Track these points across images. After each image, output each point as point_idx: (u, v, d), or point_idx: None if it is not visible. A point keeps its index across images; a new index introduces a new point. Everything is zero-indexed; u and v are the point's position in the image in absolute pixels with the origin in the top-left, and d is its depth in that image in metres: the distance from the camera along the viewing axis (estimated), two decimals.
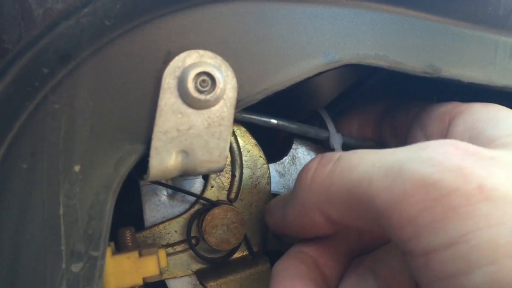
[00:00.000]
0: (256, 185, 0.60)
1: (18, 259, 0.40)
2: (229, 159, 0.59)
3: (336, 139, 0.61)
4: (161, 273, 0.53)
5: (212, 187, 0.59)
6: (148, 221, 0.58)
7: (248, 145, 0.60)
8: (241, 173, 0.60)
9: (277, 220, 0.53)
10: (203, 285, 0.57)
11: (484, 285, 0.33)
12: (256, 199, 0.60)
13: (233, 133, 0.59)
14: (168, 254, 0.56)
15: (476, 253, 0.34)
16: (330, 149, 0.64)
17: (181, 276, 0.59)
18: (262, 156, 0.61)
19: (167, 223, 0.58)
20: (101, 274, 0.42)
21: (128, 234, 0.53)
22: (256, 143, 0.60)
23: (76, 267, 0.41)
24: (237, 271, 0.58)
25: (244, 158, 0.60)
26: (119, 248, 0.53)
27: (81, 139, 0.41)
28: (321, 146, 0.66)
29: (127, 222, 0.55)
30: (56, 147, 0.41)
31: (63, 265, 0.41)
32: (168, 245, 0.57)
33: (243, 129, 0.60)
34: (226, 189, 0.59)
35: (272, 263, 0.60)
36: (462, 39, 0.51)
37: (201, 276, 0.58)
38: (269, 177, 0.61)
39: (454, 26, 0.51)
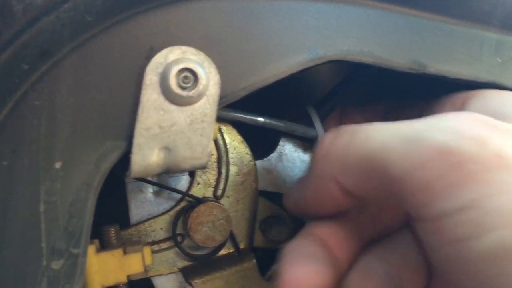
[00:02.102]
0: (242, 182, 0.60)
1: None
2: (215, 156, 0.59)
3: None
4: (146, 270, 0.53)
5: (198, 184, 0.59)
6: (133, 219, 0.58)
7: (234, 142, 0.60)
8: (228, 170, 0.59)
9: (295, 200, 0.52)
10: (188, 282, 0.57)
11: (495, 249, 0.34)
12: (243, 196, 0.60)
13: (220, 130, 0.59)
14: (154, 252, 0.56)
15: (488, 218, 0.34)
16: None
17: (167, 274, 0.58)
18: (249, 153, 0.61)
19: (152, 220, 0.57)
20: (82, 272, 0.42)
21: (112, 231, 0.53)
22: (242, 140, 0.60)
23: (56, 264, 0.41)
24: (222, 268, 0.58)
25: (230, 155, 0.59)
26: (104, 246, 0.53)
27: (62, 136, 0.41)
28: (309, 143, 0.65)
29: (113, 219, 0.55)
30: (36, 144, 0.40)
31: (44, 262, 0.41)
32: (154, 243, 0.57)
33: (229, 126, 0.59)
34: (213, 186, 0.59)
35: (258, 260, 0.60)
36: (447, 35, 0.51)
37: (186, 273, 0.57)
38: (256, 174, 0.61)
39: (439, 22, 0.50)
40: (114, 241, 0.52)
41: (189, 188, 0.59)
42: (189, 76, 0.42)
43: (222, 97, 0.45)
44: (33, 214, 0.40)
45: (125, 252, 0.51)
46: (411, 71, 0.50)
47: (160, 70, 0.42)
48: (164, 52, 0.42)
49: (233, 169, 0.60)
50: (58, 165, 0.41)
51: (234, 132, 0.60)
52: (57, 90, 0.41)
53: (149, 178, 0.57)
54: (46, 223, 0.41)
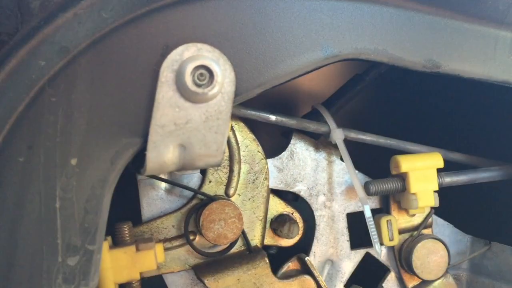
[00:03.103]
0: (254, 180, 0.60)
1: (14, 253, 0.40)
2: (227, 154, 0.59)
3: (337, 134, 0.61)
4: (158, 267, 0.53)
5: (210, 182, 0.59)
6: (145, 216, 0.58)
7: (246, 140, 0.60)
8: (239, 168, 0.59)
9: None
10: (200, 280, 0.57)
11: None
12: (254, 194, 0.60)
13: (231, 128, 0.59)
14: (166, 249, 0.56)
15: None
16: (330, 143, 0.64)
17: (178, 271, 0.58)
18: (261, 151, 0.61)
19: (164, 217, 0.58)
20: (97, 268, 0.42)
21: (125, 228, 0.53)
22: (254, 138, 0.60)
23: (72, 261, 0.41)
24: (234, 266, 0.58)
25: (242, 153, 0.60)
26: (117, 243, 0.53)
27: (78, 133, 0.41)
28: (320, 141, 0.65)
29: (125, 217, 0.55)
30: (53, 140, 0.40)
31: (59, 259, 0.41)
32: (166, 240, 0.57)
33: (241, 124, 0.59)
34: (224, 184, 0.59)
35: (269, 258, 0.60)
36: (461, 33, 0.51)
37: (198, 271, 0.57)
38: (267, 172, 0.61)
39: (453, 20, 0.50)
40: (127, 238, 0.53)
41: (201, 186, 0.59)
42: (205, 73, 0.42)
43: (236, 94, 0.45)
44: (49, 211, 0.40)
45: (137, 249, 0.52)
46: (425, 69, 0.50)
47: (175, 67, 0.42)
48: (179, 49, 0.42)
49: (244, 167, 0.60)
50: (74, 161, 0.41)
51: (246, 130, 0.60)
52: (74, 87, 0.41)
53: (161, 176, 0.57)
54: (62, 220, 0.41)
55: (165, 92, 0.42)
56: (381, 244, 0.65)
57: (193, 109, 0.43)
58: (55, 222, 0.41)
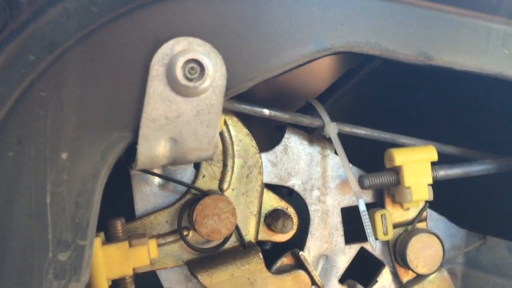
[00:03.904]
0: (248, 174, 0.60)
1: (4, 248, 0.40)
2: (220, 149, 0.59)
3: (331, 128, 0.61)
4: (151, 263, 0.53)
5: (203, 176, 0.59)
6: (139, 211, 0.58)
7: (240, 134, 0.60)
8: (233, 163, 0.59)
9: None
10: (194, 275, 0.57)
11: None
12: (248, 189, 0.60)
13: (225, 123, 0.58)
14: (159, 245, 0.56)
15: None
16: (324, 137, 0.64)
17: (172, 267, 0.58)
18: (254, 145, 0.60)
19: (157, 213, 0.57)
20: (88, 264, 0.42)
21: (118, 224, 0.53)
22: (248, 132, 0.60)
23: (63, 256, 0.41)
24: (228, 261, 0.58)
25: (236, 148, 0.59)
26: (110, 239, 0.52)
27: (68, 127, 0.41)
28: (314, 135, 0.65)
29: (117, 213, 0.55)
30: (43, 135, 0.40)
31: (50, 254, 0.41)
32: (159, 236, 0.57)
33: (235, 118, 0.59)
34: (218, 178, 0.59)
35: (264, 253, 0.60)
36: (454, 26, 0.51)
37: (192, 266, 0.57)
38: (261, 166, 0.61)
39: (446, 13, 0.50)
40: (120, 234, 0.52)
41: (194, 180, 0.59)
42: (195, 67, 0.42)
43: (228, 88, 0.44)
44: (39, 205, 0.40)
45: (130, 245, 0.51)
46: (418, 62, 0.50)
47: (166, 61, 0.42)
48: (170, 43, 0.42)
49: (238, 162, 0.60)
50: (64, 156, 0.41)
51: (239, 124, 0.60)
52: (64, 81, 0.40)
53: (154, 171, 0.57)
54: (53, 214, 0.41)
55: (156, 86, 0.42)
56: (376, 238, 0.65)
57: (184, 103, 0.43)
58: (45, 217, 0.41)
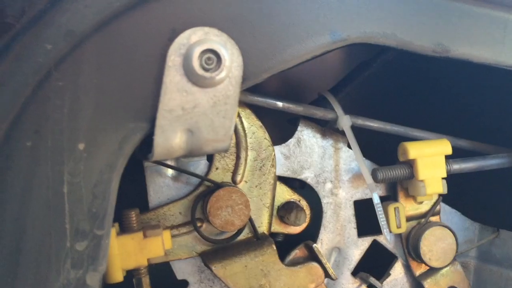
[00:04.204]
0: (261, 167, 0.60)
1: (22, 238, 0.40)
2: (234, 141, 0.59)
3: (344, 121, 0.60)
4: (166, 254, 0.53)
5: (217, 168, 0.59)
6: (152, 203, 0.58)
7: (253, 126, 0.59)
8: (246, 155, 0.59)
9: None
10: (207, 266, 0.57)
11: None
12: (261, 182, 0.60)
13: (238, 115, 0.58)
14: (173, 236, 0.56)
15: None
16: (337, 130, 0.63)
17: (185, 258, 0.58)
18: (267, 138, 0.60)
19: (171, 204, 0.57)
20: (105, 254, 0.42)
21: (132, 215, 0.53)
22: (261, 124, 0.60)
23: (80, 246, 0.41)
24: (241, 253, 0.58)
25: (249, 140, 0.59)
26: (124, 229, 0.53)
27: (85, 117, 0.41)
28: (327, 128, 0.65)
29: (132, 204, 0.55)
30: (60, 125, 0.40)
31: (68, 244, 0.41)
32: (173, 227, 0.57)
33: (248, 110, 0.59)
34: (231, 171, 0.59)
35: (277, 245, 0.60)
36: (470, 17, 0.50)
37: (205, 257, 0.57)
38: (274, 159, 0.60)
39: (462, 4, 0.50)
40: (134, 225, 0.52)
41: (208, 172, 0.58)
42: (212, 57, 0.42)
43: (244, 79, 0.44)
44: (56, 195, 0.40)
45: (145, 236, 0.52)
46: (434, 54, 0.50)
47: (183, 51, 0.42)
48: (186, 33, 0.42)
49: (251, 154, 0.59)
50: (81, 146, 0.41)
51: (253, 117, 0.59)
52: (80, 71, 0.40)
53: (168, 162, 0.57)
54: (70, 204, 0.41)
55: (173, 76, 0.42)
56: (389, 231, 0.65)
57: (200, 94, 0.43)
58: (63, 207, 0.41)
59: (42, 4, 0.39)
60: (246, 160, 0.59)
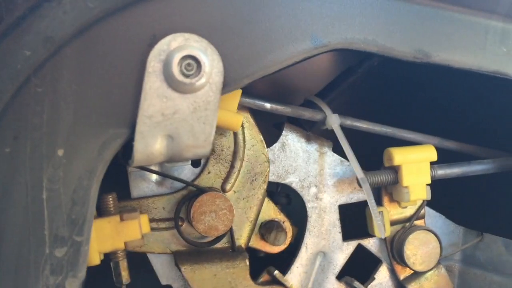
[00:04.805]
0: (252, 180, 0.60)
1: (1, 244, 0.40)
2: (231, 149, 0.59)
3: (333, 119, 0.60)
4: (143, 237, 0.52)
5: (209, 172, 0.59)
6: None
7: (253, 139, 0.59)
8: (241, 166, 0.59)
9: None
10: (178, 266, 0.57)
11: None
12: (250, 195, 0.60)
13: (242, 125, 0.58)
14: (152, 229, 0.56)
15: None
16: (324, 133, 0.63)
17: (159, 253, 0.58)
18: (265, 153, 0.60)
19: (156, 198, 0.57)
20: (85, 260, 0.42)
21: (110, 199, 0.52)
22: (262, 139, 0.60)
23: (59, 252, 0.41)
24: (214, 261, 0.58)
25: (246, 152, 0.59)
26: (101, 213, 0.52)
27: (64, 123, 0.41)
28: (312, 133, 0.65)
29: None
30: (39, 131, 0.40)
31: (47, 250, 0.41)
32: (153, 220, 0.57)
33: (251, 121, 0.59)
34: (223, 178, 0.59)
35: (252, 260, 0.59)
36: (451, 23, 0.50)
37: (178, 257, 0.57)
38: (267, 176, 0.60)
39: (444, 10, 0.50)
40: (111, 209, 0.52)
41: (199, 174, 0.59)
42: (192, 64, 0.42)
43: (225, 85, 0.44)
44: (35, 202, 0.40)
45: (122, 219, 0.52)
46: (415, 60, 0.50)
47: (163, 57, 0.42)
48: (167, 39, 0.42)
49: (246, 166, 0.60)
50: (60, 152, 0.41)
51: (255, 129, 0.59)
52: (60, 77, 0.40)
53: (152, 167, 0.57)
54: (49, 211, 0.41)
55: (153, 82, 0.42)
56: (373, 235, 0.66)
57: (180, 100, 0.43)
58: (42, 213, 0.41)
59: (20, 10, 0.39)
60: (239, 170, 0.59)
